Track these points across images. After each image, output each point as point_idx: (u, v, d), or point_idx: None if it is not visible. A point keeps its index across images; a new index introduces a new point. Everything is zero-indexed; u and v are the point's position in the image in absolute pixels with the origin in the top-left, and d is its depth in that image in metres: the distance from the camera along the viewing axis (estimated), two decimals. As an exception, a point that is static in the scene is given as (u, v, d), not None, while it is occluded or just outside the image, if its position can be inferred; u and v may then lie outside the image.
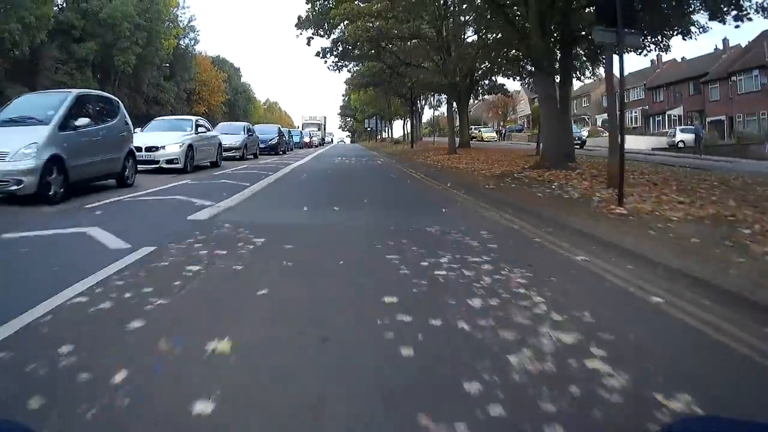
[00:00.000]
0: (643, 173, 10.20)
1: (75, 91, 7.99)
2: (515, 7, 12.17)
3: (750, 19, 9.92)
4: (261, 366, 2.04)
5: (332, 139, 73.08)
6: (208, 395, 1.75)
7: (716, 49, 35.45)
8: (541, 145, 13.08)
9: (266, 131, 23.10)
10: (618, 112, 6.78)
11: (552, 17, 10.49)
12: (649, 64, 39.29)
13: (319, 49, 22.81)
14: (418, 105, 37.65)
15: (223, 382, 1.87)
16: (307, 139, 39.48)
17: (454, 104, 22.61)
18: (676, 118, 36.20)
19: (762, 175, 10.86)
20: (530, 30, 10.50)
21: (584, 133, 32.17)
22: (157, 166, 10.99)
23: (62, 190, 6.60)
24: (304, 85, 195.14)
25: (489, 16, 13.71)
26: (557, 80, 11.47)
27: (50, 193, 6.36)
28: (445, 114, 27.29)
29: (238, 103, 71.14)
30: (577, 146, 18.80)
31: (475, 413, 1.69)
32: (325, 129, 65.00)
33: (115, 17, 38.73)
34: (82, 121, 7.19)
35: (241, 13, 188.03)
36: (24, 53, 32.95)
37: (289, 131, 33.68)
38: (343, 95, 61.98)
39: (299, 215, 6.10)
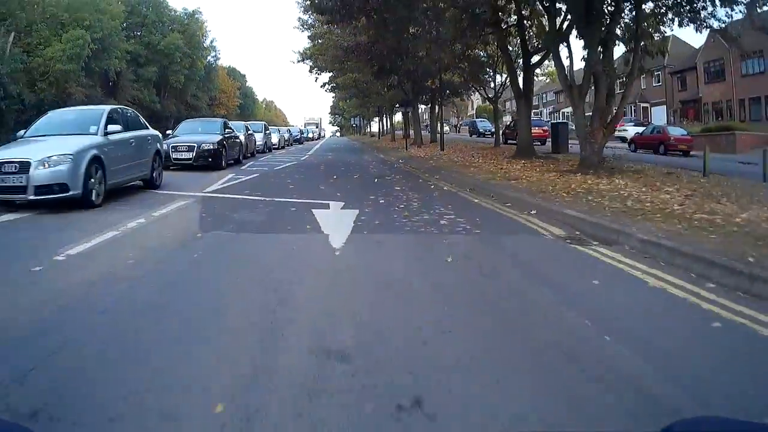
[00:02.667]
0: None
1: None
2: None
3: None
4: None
5: (324, 134, 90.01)
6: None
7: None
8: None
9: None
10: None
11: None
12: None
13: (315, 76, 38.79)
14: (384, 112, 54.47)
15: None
16: (309, 135, 56.34)
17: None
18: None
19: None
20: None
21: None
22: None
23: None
24: (297, 84, 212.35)
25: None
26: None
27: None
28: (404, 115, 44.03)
29: (247, 105, 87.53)
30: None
31: (350, 169, 18.38)
32: (320, 127, 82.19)
33: (169, 48, 55.27)
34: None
35: (233, 12, 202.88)
36: (112, 77, 49.62)
37: (289, 129, 49.32)
38: (332, 97, 79.16)
39: (324, 157, 22.77)
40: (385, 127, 54.23)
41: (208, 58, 71.05)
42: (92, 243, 5.36)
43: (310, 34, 31.73)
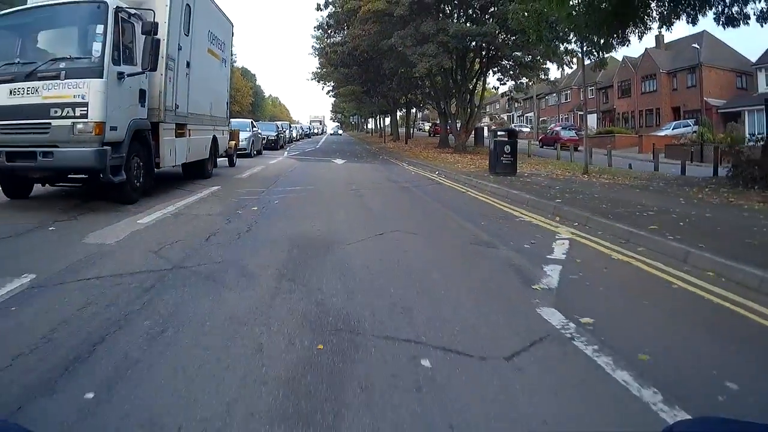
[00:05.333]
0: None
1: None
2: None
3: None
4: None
5: (326, 130, 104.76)
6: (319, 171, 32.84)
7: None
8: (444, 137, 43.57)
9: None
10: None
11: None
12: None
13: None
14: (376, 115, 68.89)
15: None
16: (315, 131, 70.84)
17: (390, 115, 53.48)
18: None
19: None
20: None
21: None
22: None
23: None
24: (300, 80, 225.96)
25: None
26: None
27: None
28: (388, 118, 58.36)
29: (257, 102, 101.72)
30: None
31: (346, 153, 32.73)
32: (323, 124, 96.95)
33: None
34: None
35: (235, 7, 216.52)
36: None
37: (302, 126, 63.84)
38: (333, 97, 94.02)
39: (331, 145, 37.07)
40: (379, 126, 68.60)
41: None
42: (257, 169, 19.51)
43: (319, 57, 46.02)
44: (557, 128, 44.13)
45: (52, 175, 7.99)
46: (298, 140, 45.89)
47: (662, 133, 38.82)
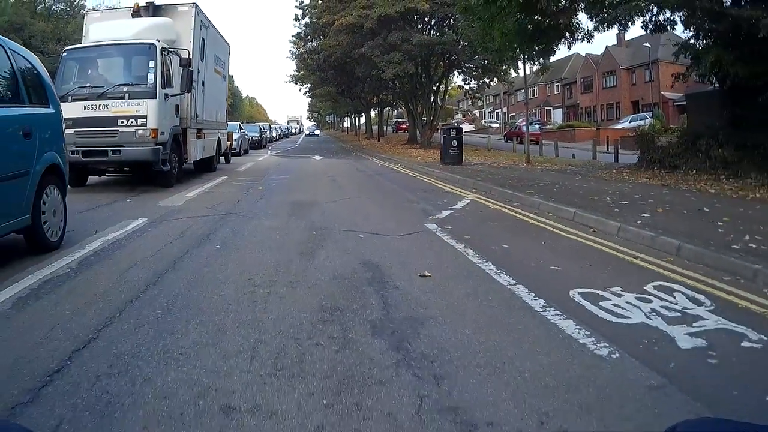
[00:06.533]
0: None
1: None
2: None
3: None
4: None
5: (303, 130, 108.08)
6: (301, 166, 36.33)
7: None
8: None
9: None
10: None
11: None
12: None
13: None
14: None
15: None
16: (292, 130, 74.17)
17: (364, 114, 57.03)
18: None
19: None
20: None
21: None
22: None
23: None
24: (276, 80, 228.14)
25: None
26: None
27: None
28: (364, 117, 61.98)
29: (235, 103, 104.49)
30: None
31: (323, 151, 36.23)
32: (300, 123, 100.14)
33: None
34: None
35: (211, 6, 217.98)
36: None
37: (280, 127, 67.10)
38: (310, 98, 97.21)
39: (308, 144, 40.51)
40: (355, 125, 72.13)
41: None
42: (250, 164, 22.92)
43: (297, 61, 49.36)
44: (522, 123, 48.11)
45: (116, 166, 11.42)
46: (278, 140, 49.32)
47: (620, 126, 42.67)
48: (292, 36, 41.95)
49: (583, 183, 11.99)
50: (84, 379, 2.77)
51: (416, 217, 8.04)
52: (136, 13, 12.70)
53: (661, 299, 4.05)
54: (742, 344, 3.30)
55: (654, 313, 3.76)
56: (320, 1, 31.53)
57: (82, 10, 41.52)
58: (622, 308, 3.87)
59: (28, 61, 5.98)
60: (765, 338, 3.36)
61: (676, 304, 3.96)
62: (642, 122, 41.27)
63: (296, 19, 34.36)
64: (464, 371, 2.89)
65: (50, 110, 6.16)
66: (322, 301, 4.03)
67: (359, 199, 10.28)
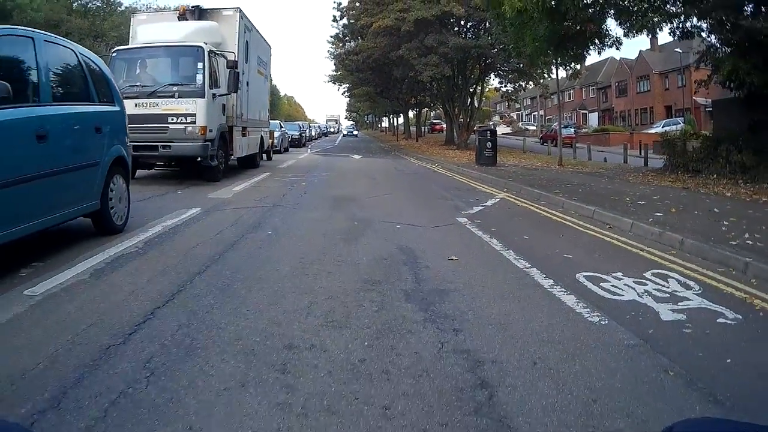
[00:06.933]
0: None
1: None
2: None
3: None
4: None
5: (341, 129, 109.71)
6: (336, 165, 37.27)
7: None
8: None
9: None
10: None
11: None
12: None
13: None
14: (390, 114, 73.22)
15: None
16: (331, 129, 75.45)
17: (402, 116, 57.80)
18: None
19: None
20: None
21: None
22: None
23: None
24: (314, 79, 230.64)
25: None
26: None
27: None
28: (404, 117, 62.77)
29: (274, 101, 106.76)
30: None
31: (362, 150, 37.11)
32: (339, 123, 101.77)
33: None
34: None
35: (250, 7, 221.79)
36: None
37: (319, 126, 68.20)
38: (348, 97, 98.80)
39: (347, 143, 41.47)
40: (393, 125, 73.06)
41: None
42: (291, 162, 23.92)
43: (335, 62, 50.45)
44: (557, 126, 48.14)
45: (165, 161, 12.41)
46: (317, 139, 50.51)
47: (653, 131, 42.46)
48: (330, 36, 43.04)
49: (608, 185, 12.47)
50: (167, 328, 3.54)
51: (449, 212, 8.73)
52: (182, 16, 13.57)
53: (656, 283, 4.68)
54: (717, 320, 3.92)
55: (646, 293, 4.40)
56: (358, 4, 32.40)
57: (119, 8, 43.22)
58: (619, 288, 4.53)
59: (95, 63, 6.76)
60: (740, 317, 3.98)
61: (668, 287, 4.59)
62: (674, 127, 41.06)
63: (334, 20, 35.32)
64: (477, 327, 3.62)
65: (116, 108, 6.96)
66: (363, 276, 4.80)
67: (397, 195, 11.08)
